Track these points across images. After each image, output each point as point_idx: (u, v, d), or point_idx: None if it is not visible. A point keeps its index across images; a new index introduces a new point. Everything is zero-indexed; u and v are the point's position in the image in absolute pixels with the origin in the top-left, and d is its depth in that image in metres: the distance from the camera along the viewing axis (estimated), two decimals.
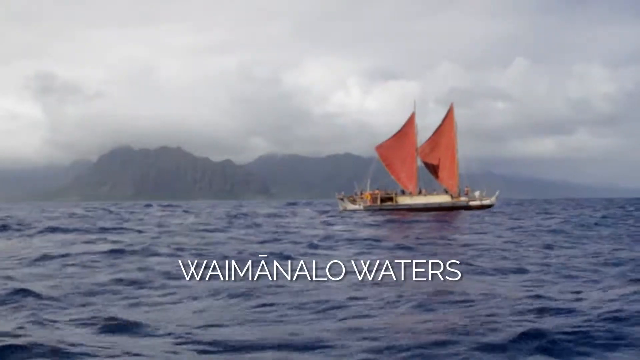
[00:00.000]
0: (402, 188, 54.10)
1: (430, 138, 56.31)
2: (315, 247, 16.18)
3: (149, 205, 75.74)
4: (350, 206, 50.84)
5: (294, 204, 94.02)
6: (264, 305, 7.79)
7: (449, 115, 56.84)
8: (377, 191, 51.55)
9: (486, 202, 53.43)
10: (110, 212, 47.50)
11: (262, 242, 17.91)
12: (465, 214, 43.22)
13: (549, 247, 15.85)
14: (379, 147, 55.89)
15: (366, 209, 49.36)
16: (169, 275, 10.51)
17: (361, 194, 51.80)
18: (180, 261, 12.35)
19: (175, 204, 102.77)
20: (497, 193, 56.19)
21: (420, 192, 53.56)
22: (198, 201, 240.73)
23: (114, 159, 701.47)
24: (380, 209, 49.36)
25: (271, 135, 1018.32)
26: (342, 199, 53.06)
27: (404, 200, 51.26)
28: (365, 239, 18.78)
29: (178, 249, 14.93)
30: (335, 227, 25.83)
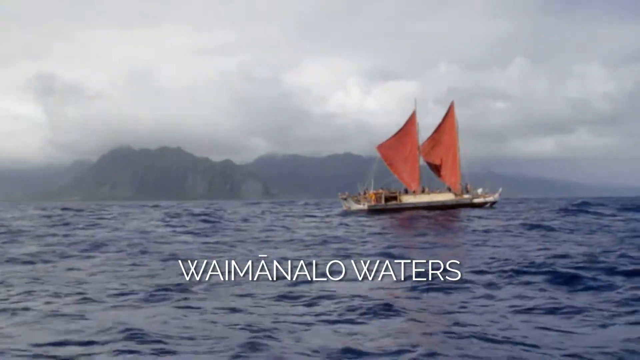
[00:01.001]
0: (405, 187, 53.98)
1: (431, 136, 56.15)
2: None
3: (143, 206, 75.69)
4: (355, 206, 50.75)
5: (283, 204, 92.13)
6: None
7: (449, 113, 56.76)
8: (380, 190, 51.43)
9: (489, 199, 53.52)
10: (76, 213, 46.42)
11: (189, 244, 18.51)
12: (467, 212, 43.06)
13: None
14: (380, 147, 55.67)
15: (370, 209, 49.32)
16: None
17: (364, 193, 51.72)
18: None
19: (165, 204, 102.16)
20: (499, 190, 56.31)
21: (423, 191, 53.49)
22: (197, 201, 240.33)
23: (114, 159, 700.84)
24: (385, 209, 49.31)
25: (271, 135, 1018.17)
26: (345, 199, 53.01)
27: (408, 199, 51.18)
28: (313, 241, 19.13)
29: (103, 251, 16.06)
30: (301, 231, 24.59)
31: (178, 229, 25.51)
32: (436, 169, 55.41)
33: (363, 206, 50.15)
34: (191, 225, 28.06)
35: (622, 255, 13.24)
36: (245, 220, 34.50)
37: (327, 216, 40.22)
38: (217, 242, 18.93)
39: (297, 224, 30.10)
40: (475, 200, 52.12)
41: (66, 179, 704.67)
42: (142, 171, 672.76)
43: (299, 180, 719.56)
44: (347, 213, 46.59)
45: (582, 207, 39.91)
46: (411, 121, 55.61)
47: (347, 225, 29.19)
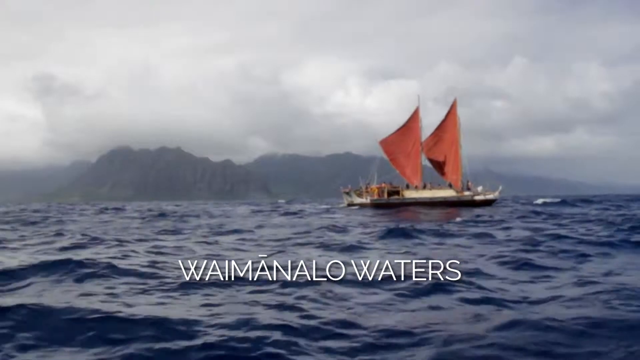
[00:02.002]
0: (407, 182, 54.49)
1: (433, 133, 56.61)
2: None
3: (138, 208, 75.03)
4: (358, 200, 51.38)
5: (272, 203, 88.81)
6: None
7: (452, 111, 57.21)
8: (383, 185, 51.97)
9: (490, 196, 54.03)
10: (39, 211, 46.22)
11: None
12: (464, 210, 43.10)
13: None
14: (383, 142, 56.13)
15: (373, 203, 49.95)
16: None
17: (366, 188, 52.23)
18: None
19: (152, 205, 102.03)
20: (500, 188, 56.93)
21: (425, 187, 54.04)
22: (195, 201, 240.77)
23: (113, 159, 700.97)
24: (387, 203, 49.89)
25: (271, 135, 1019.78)
26: (347, 193, 53.58)
27: (410, 194, 51.69)
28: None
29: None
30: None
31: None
32: (438, 165, 55.90)
33: (365, 200, 50.73)
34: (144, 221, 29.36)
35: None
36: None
37: (310, 214, 38.00)
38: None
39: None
40: (476, 198, 52.60)
41: (65, 180, 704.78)
42: (141, 171, 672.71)
43: (298, 180, 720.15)
44: (346, 208, 47.17)
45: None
46: (414, 117, 55.94)
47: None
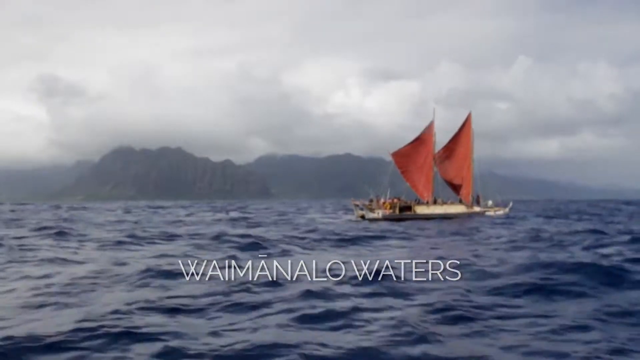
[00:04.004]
0: (418, 197, 53.96)
1: (445, 146, 55.90)
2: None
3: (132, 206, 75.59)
4: (370, 215, 50.84)
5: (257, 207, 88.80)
6: None
7: (466, 124, 56.76)
8: (395, 200, 51.38)
9: (499, 212, 53.88)
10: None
11: None
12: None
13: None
14: (395, 154, 55.27)
15: (385, 218, 49.56)
16: None
17: (377, 201, 51.60)
18: None
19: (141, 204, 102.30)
20: (510, 204, 56.80)
21: (435, 202, 53.64)
22: (188, 201, 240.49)
23: (116, 159, 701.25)
24: (400, 218, 49.52)
25: (271, 136, 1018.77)
26: (359, 207, 52.90)
27: (422, 210, 51.29)
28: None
29: None
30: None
31: None
32: (450, 181, 55.58)
33: (377, 215, 50.19)
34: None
35: None
36: None
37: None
38: None
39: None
40: (487, 214, 52.45)
41: (69, 179, 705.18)
42: (143, 171, 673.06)
43: (298, 180, 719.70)
44: (355, 222, 46.98)
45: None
46: (429, 131, 55.17)
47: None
